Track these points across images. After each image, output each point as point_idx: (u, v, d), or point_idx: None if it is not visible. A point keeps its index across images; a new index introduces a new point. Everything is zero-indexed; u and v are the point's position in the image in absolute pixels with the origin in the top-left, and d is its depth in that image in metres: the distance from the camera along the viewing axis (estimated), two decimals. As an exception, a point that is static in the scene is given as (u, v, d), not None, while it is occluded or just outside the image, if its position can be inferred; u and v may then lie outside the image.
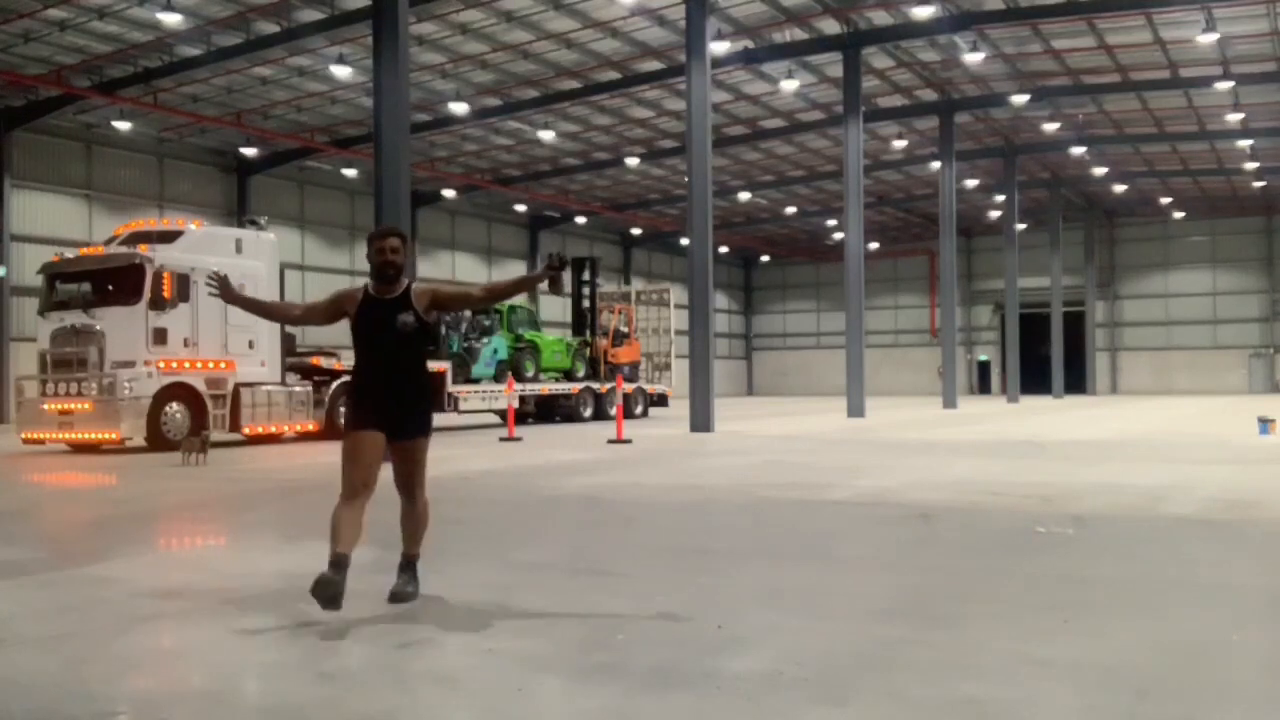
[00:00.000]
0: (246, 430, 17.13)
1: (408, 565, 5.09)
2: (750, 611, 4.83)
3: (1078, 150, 37.12)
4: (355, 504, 4.72)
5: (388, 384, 4.89)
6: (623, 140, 36.41)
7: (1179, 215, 50.36)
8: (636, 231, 52.06)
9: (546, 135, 33.58)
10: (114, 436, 15.73)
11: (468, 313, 23.65)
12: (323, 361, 18.92)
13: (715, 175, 24.62)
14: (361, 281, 5.14)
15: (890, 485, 10.13)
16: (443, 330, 22.44)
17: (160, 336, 16.05)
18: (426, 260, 40.85)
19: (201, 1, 22.60)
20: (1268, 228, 50.76)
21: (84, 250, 18.93)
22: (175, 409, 16.16)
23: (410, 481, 5.04)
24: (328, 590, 4.44)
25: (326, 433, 17.95)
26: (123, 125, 29.51)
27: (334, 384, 18.55)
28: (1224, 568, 5.98)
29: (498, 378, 23.07)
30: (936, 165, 34.89)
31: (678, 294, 31.46)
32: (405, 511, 5.10)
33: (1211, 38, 24.59)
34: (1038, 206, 46.63)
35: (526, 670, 3.85)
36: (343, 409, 18.69)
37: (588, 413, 25.67)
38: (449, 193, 40.65)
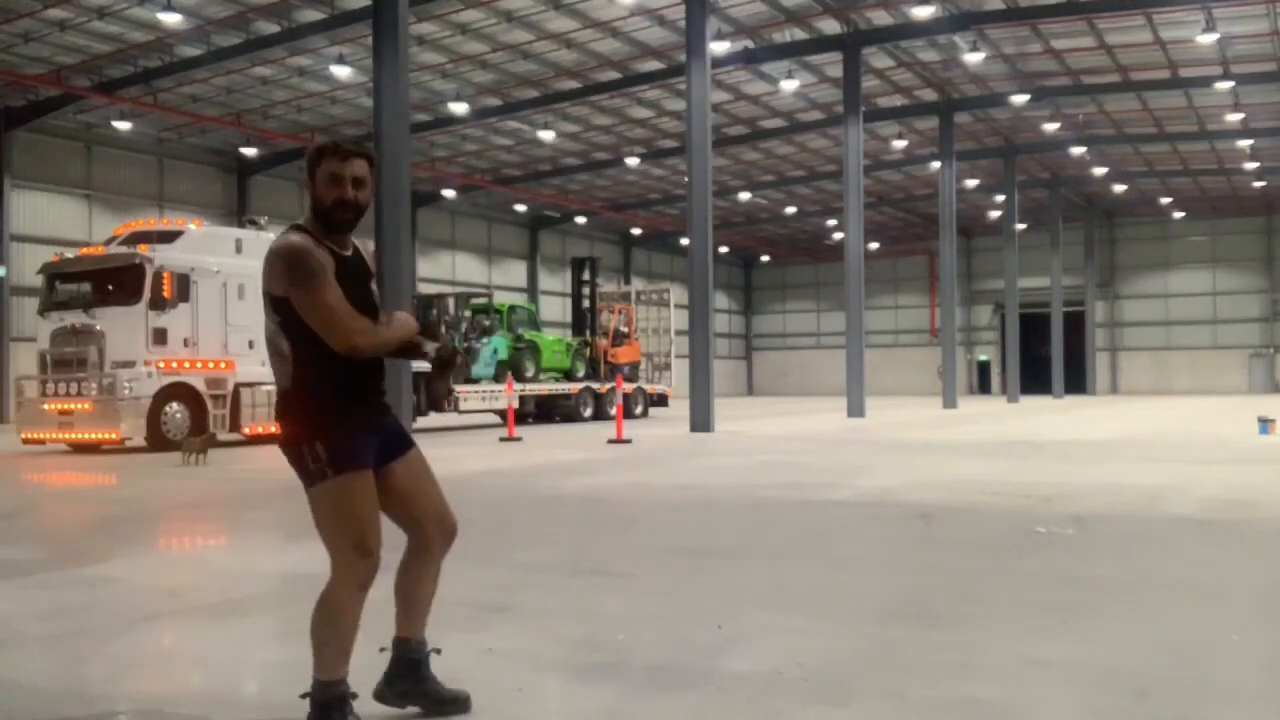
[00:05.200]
0: (246, 430, 17.11)
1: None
2: (750, 611, 4.82)
3: (1078, 150, 37.11)
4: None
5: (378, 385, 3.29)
6: (623, 140, 36.40)
7: (1179, 215, 50.32)
8: (636, 231, 52.04)
9: (546, 135, 33.56)
10: (114, 436, 15.73)
11: (467, 312, 23.66)
12: None
13: (715, 175, 24.63)
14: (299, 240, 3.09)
15: (890, 485, 10.12)
16: (442, 329, 22.41)
17: (160, 336, 16.05)
18: (426, 260, 40.84)
19: (201, 1, 22.60)
20: (1268, 228, 50.74)
21: (84, 250, 18.95)
22: (175, 409, 16.15)
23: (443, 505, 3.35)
24: None
25: None
26: (123, 125, 29.51)
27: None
28: (1224, 568, 5.97)
29: (497, 378, 23.05)
30: (936, 165, 34.89)
31: (678, 294, 31.45)
32: (425, 566, 3.33)
33: (1211, 38, 24.57)
34: (1037, 206, 46.59)
35: (526, 670, 3.85)
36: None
37: (588, 413, 25.66)
38: (449, 193, 40.63)
